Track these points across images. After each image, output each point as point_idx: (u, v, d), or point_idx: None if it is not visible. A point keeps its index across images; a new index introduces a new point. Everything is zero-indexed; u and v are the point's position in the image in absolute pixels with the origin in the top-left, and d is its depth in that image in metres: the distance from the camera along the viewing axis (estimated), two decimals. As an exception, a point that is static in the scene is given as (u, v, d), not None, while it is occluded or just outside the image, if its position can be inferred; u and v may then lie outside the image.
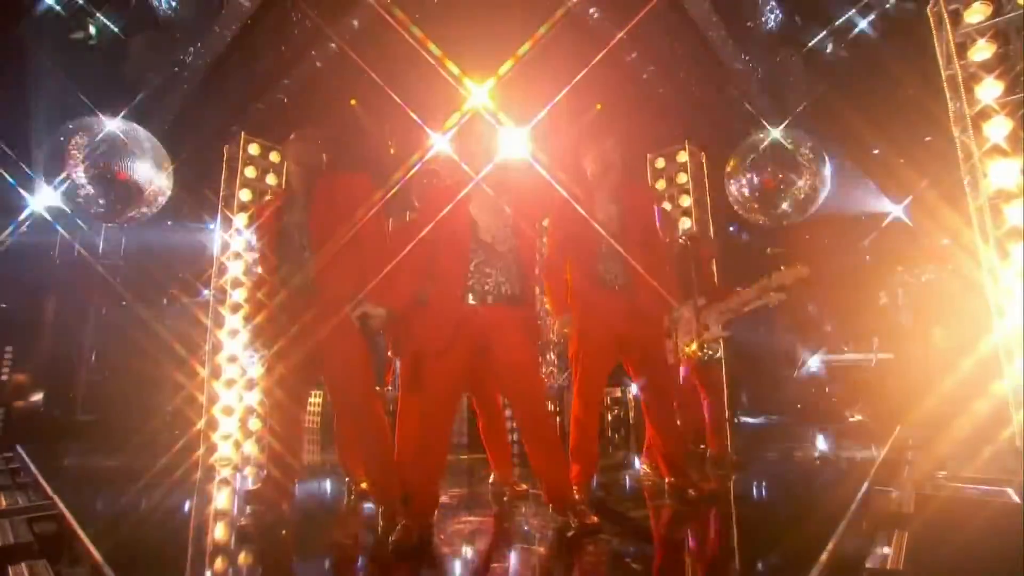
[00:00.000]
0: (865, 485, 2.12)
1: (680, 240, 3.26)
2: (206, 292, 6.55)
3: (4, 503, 2.12)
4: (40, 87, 5.09)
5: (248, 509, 2.20)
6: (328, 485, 2.72)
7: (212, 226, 6.15)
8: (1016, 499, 1.93)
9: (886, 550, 1.49)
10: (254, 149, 5.60)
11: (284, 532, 2.03)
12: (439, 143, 9.30)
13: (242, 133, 5.53)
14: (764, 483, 2.97)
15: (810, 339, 7.19)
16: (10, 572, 1.39)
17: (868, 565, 1.41)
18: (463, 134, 2.27)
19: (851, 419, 6.31)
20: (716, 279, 3.97)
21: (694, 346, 2.78)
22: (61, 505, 1.98)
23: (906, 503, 1.90)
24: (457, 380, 2.06)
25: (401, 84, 7.69)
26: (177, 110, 6.02)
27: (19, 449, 3.30)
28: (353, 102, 8.30)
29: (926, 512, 1.88)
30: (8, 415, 5.36)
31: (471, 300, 2.02)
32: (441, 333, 1.94)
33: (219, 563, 1.79)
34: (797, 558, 1.48)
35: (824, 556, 1.40)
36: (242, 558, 1.84)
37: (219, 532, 2.08)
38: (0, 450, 3.60)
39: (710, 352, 2.72)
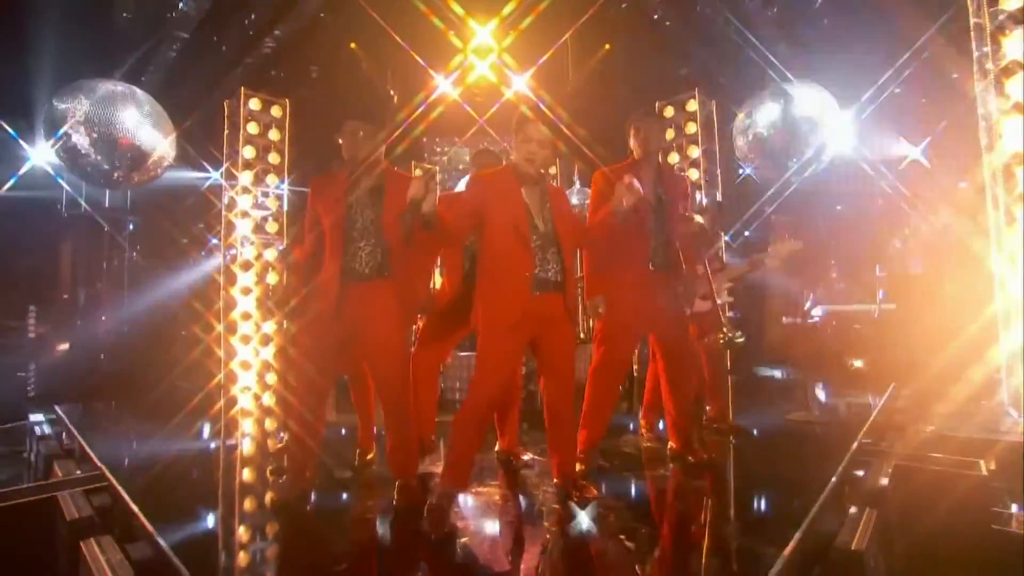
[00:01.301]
0: (847, 458, 2.30)
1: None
2: (214, 240, 6.70)
3: (60, 473, 2.36)
4: (37, 41, 5.01)
5: (272, 480, 2.42)
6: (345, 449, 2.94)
7: (216, 176, 6.19)
8: (984, 472, 2.10)
9: (858, 527, 1.67)
10: (255, 104, 5.53)
11: (308, 505, 2.24)
12: (443, 86, 9.09)
13: (242, 88, 5.45)
14: (756, 450, 3.17)
15: (817, 289, 7.28)
16: (82, 548, 1.61)
17: (837, 543, 1.59)
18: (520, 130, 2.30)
19: (852, 367, 6.52)
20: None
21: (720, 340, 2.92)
22: (110, 476, 2.20)
23: (882, 478, 2.08)
24: (519, 355, 2.28)
25: (402, 27, 7.43)
26: (170, 63, 5.91)
27: (58, 410, 3.55)
28: (353, 46, 8.04)
29: (899, 489, 2.07)
30: (38, 370, 5.66)
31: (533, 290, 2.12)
32: (513, 310, 2.07)
33: (268, 539, 2.01)
34: (772, 537, 1.67)
35: (797, 534, 1.59)
36: (277, 530, 2.06)
37: (260, 505, 2.31)
38: (39, 408, 3.86)
39: (731, 337, 2.85)
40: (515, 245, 2.13)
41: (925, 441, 2.47)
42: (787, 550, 1.51)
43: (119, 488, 2.07)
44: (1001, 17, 3.64)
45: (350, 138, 2.36)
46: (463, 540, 1.91)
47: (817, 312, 7.38)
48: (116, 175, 4.17)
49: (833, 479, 2.07)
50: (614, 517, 2.09)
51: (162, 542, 1.72)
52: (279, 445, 3.09)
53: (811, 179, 4.78)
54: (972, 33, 3.86)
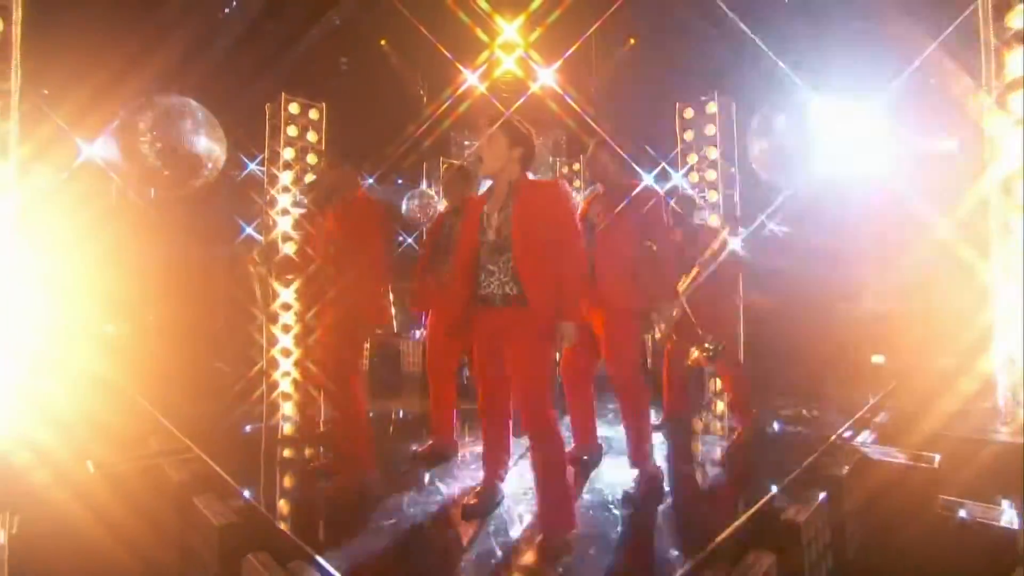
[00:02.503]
0: (820, 449, 2.71)
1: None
2: (248, 229, 7.29)
3: (156, 446, 2.94)
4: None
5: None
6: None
7: (253, 167, 6.73)
8: (935, 466, 2.49)
9: (805, 506, 2.10)
10: (294, 108, 6.06)
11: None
12: (471, 79, 9.50)
13: (282, 93, 5.98)
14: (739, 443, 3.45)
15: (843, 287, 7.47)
16: (194, 501, 2.16)
17: (783, 516, 2.02)
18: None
19: (874, 362, 6.79)
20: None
21: (695, 354, 3.21)
22: (195, 448, 2.77)
23: (844, 467, 2.49)
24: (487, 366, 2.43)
25: (430, 22, 7.85)
26: (213, 66, 6.46)
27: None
28: (383, 42, 8.49)
29: (856, 477, 2.47)
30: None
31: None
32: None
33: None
34: (733, 512, 2.11)
35: (752, 509, 2.03)
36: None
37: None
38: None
39: (711, 348, 3.11)
40: (457, 259, 2.20)
41: (891, 435, 2.85)
42: (740, 520, 1.95)
43: (205, 457, 2.63)
44: (1007, 35, 3.88)
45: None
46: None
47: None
48: (176, 180, 4.74)
49: (798, 468, 2.49)
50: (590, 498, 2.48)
51: (247, 495, 2.26)
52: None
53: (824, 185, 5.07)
54: (982, 48, 4.10)
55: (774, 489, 2.28)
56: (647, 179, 3.23)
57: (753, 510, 2.05)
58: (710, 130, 6.05)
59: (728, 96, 5.97)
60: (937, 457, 2.57)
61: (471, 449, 3.04)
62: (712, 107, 6.03)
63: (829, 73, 5.56)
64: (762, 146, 4.89)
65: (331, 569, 1.74)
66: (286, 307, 6.10)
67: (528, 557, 1.93)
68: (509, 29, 8.60)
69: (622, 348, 2.55)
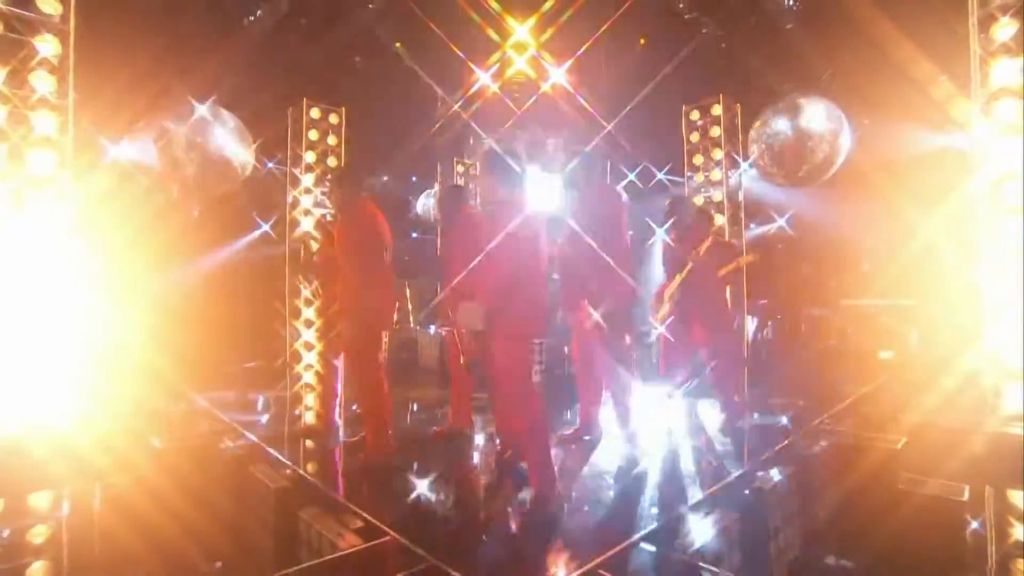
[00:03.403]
0: (800, 432, 3.08)
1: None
2: (264, 226, 7.76)
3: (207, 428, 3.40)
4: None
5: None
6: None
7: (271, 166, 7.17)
8: (898, 447, 2.84)
9: (774, 476, 2.48)
10: (315, 113, 6.49)
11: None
12: (483, 78, 9.90)
13: (304, 99, 6.41)
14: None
15: (848, 284, 7.77)
16: (251, 469, 2.59)
17: (753, 484, 2.40)
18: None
19: (881, 356, 7.10)
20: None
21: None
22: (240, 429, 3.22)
23: (815, 446, 2.86)
24: None
25: (445, 25, 8.24)
26: (235, 72, 6.91)
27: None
28: (398, 45, 8.90)
29: (826, 455, 2.83)
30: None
31: None
32: None
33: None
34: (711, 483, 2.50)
35: (727, 479, 2.41)
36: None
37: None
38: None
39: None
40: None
41: (864, 420, 3.21)
42: (715, 487, 2.33)
43: (254, 438, 3.07)
44: (993, 46, 4.17)
45: None
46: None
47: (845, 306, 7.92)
48: (207, 185, 5.21)
49: (775, 447, 2.86)
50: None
51: (303, 472, 2.70)
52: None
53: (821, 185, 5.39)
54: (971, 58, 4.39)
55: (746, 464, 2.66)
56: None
57: (731, 478, 2.43)
58: (715, 131, 6.36)
59: (732, 99, 6.28)
60: (902, 440, 2.92)
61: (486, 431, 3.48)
62: (717, 109, 6.34)
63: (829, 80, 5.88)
64: (763, 148, 5.22)
65: (369, 516, 2.16)
66: (308, 302, 6.56)
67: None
68: (521, 30, 8.99)
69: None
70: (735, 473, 2.51)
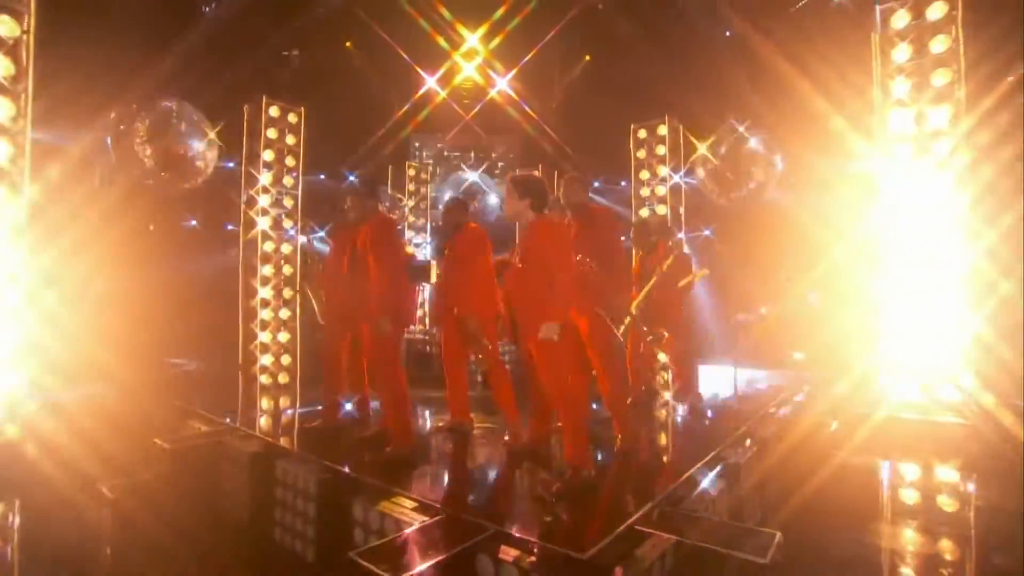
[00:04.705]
0: (752, 418, 3.73)
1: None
2: (230, 226, 7.63)
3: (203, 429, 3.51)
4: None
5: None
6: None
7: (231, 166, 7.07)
8: (832, 430, 3.56)
9: (737, 455, 3.07)
10: (274, 111, 6.50)
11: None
12: (430, 81, 10.18)
13: (263, 97, 6.40)
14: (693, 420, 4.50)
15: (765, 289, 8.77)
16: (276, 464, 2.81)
17: (731, 460, 2.97)
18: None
19: (795, 358, 8.14)
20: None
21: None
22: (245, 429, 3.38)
23: (766, 430, 3.51)
24: None
25: (395, 32, 8.46)
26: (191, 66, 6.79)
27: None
28: (348, 44, 8.98)
29: (776, 435, 3.49)
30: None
31: None
32: None
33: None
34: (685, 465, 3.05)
35: (699, 463, 2.97)
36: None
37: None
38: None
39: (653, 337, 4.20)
40: None
41: (805, 407, 3.93)
42: (691, 470, 2.87)
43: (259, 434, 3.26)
44: (891, 99, 5.10)
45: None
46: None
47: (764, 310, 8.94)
48: (173, 182, 5.19)
49: (736, 432, 3.48)
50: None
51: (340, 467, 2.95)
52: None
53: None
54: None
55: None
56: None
57: (701, 463, 2.99)
58: (660, 150, 7.06)
59: (677, 120, 7.01)
60: (834, 424, 3.65)
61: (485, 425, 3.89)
62: (662, 129, 7.05)
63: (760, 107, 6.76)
64: (705, 167, 5.96)
65: (420, 497, 2.51)
66: (264, 303, 6.56)
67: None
68: (471, 38, 9.37)
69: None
70: (707, 456, 3.08)
